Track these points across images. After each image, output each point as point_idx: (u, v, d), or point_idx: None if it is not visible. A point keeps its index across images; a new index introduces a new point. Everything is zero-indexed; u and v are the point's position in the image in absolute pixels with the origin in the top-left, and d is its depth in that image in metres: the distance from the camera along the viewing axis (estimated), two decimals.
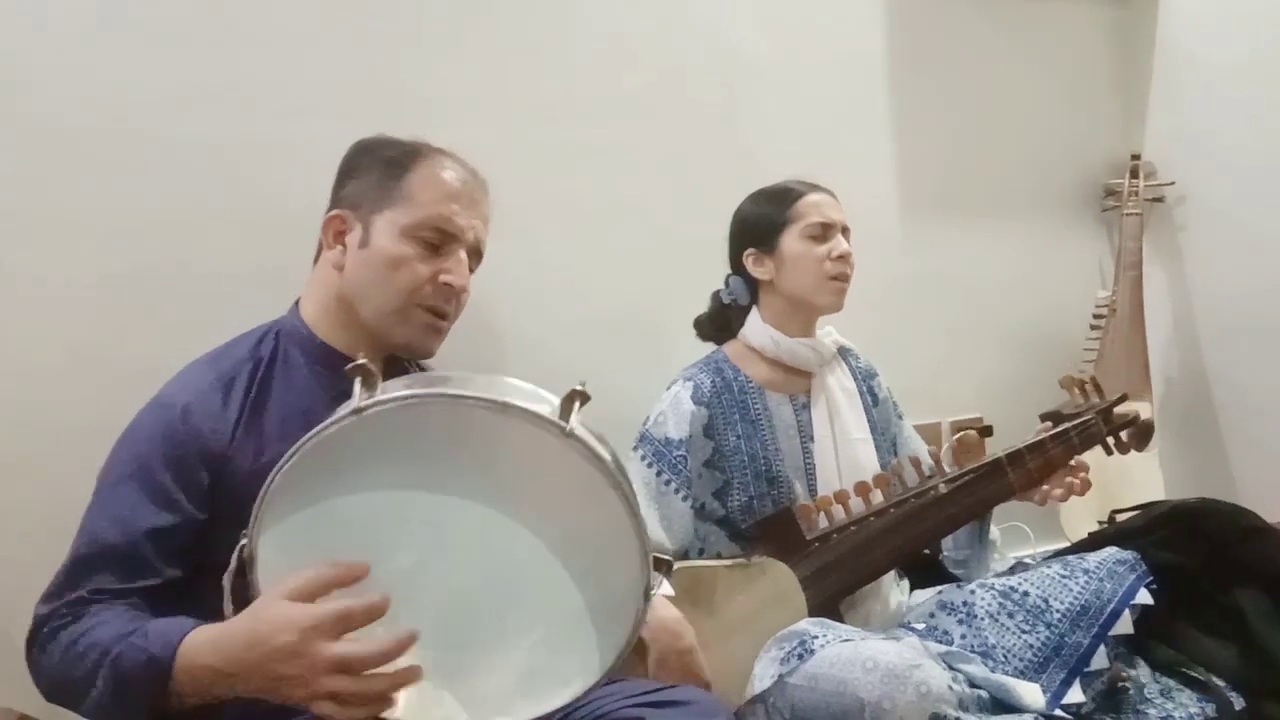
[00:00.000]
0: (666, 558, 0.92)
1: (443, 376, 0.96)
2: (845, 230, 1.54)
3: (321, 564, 0.83)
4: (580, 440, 0.85)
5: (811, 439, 1.53)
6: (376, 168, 1.15)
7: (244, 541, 0.86)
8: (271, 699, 0.85)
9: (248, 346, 1.14)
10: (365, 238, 1.13)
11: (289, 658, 0.81)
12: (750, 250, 1.55)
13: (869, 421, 1.58)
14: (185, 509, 1.01)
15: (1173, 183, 2.26)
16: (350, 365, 0.85)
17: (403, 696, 0.86)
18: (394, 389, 0.86)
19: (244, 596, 0.87)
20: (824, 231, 1.51)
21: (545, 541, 0.90)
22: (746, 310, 1.57)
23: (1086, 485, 1.49)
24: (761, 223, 1.54)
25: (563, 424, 0.84)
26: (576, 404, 0.85)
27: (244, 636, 0.84)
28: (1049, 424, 1.54)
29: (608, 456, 0.87)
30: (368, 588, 0.85)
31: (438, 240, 1.13)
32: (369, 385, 0.84)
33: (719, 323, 1.62)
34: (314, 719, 0.85)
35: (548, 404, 0.87)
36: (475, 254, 1.19)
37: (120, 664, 0.89)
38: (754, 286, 1.57)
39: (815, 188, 1.56)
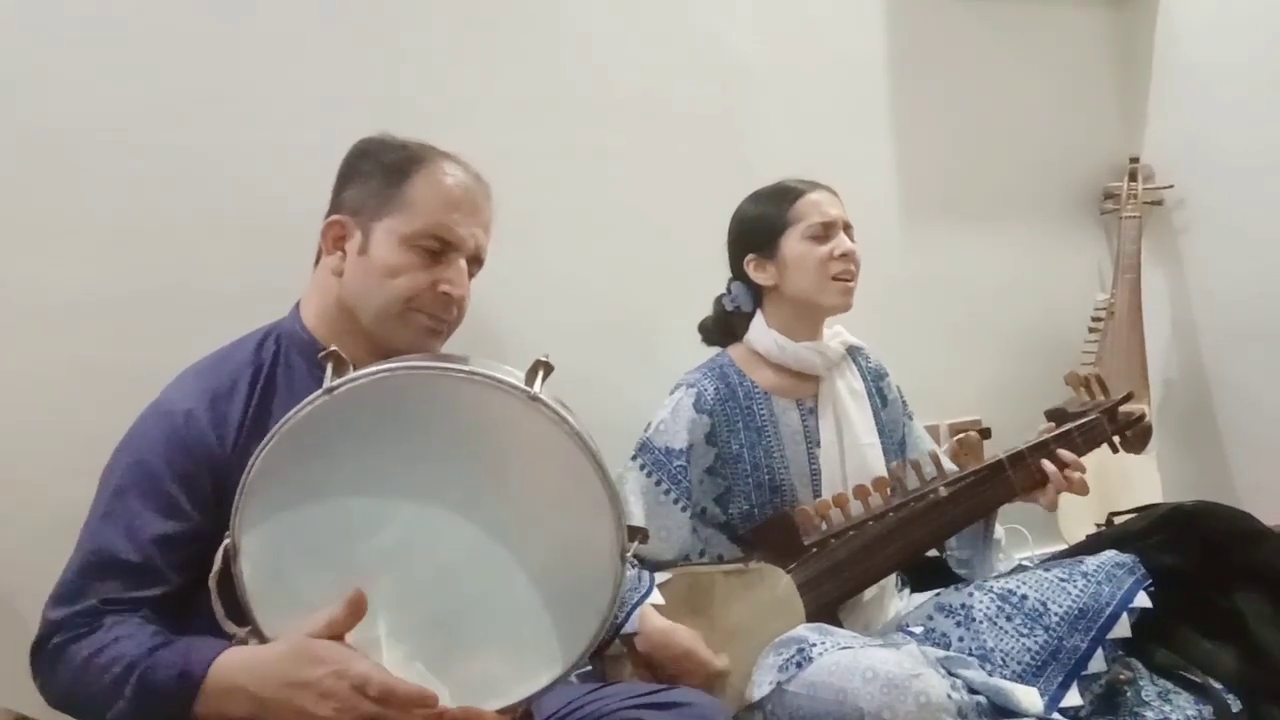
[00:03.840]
0: (641, 526, 0.94)
1: (413, 355, 0.99)
2: (848, 227, 1.52)
3: (329, 608, 0.85)
4: (544, 404, 0.88)
5: (817, 444, 1.51)
6: (377, 173, 1.14)
7: (227, 540, 0.87)
8: None
9: (248, 351, 1.13)
10: (365, 245, 1.12)
11: (325, 697, 0.83)
12: (751, 256, 1.53)
13: (877, 424, 1.56)
14: (191, 516, 1.01)
15: (1171, 186, 2.26)
16: (322, 353, 0.89)
17: None
18: (364, 369, 0.89)
19: (230, 594, 0.88)
20: (825, 231, 1.49)
21: (521, 508, 0.92)
22: (750, 316, 1.56)
23: (1083, 485, 1.46)
24: (761, 227, 1.52)
25: (527, 389, 0.88)
26: (540, 373, 0.90)
27: (281, 666, 0.85)
28: (1053, 423, 1.53)
29: (572, 420, 0.90)
30: (355, 568, 0.87)
31: (438, 248, 1.12)
32: (340, 369, 0.88)
33: (723, 328, 1.60)
34: None
35: (514, 375, 0.90)
36: (475, 261, 1.19)
37: (149, 677, 0.89)
38: (757, 291, 1.55)
39: (814, 185, 1.53)
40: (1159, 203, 2.27)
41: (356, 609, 0.86)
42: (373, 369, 0.89)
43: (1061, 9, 2.30)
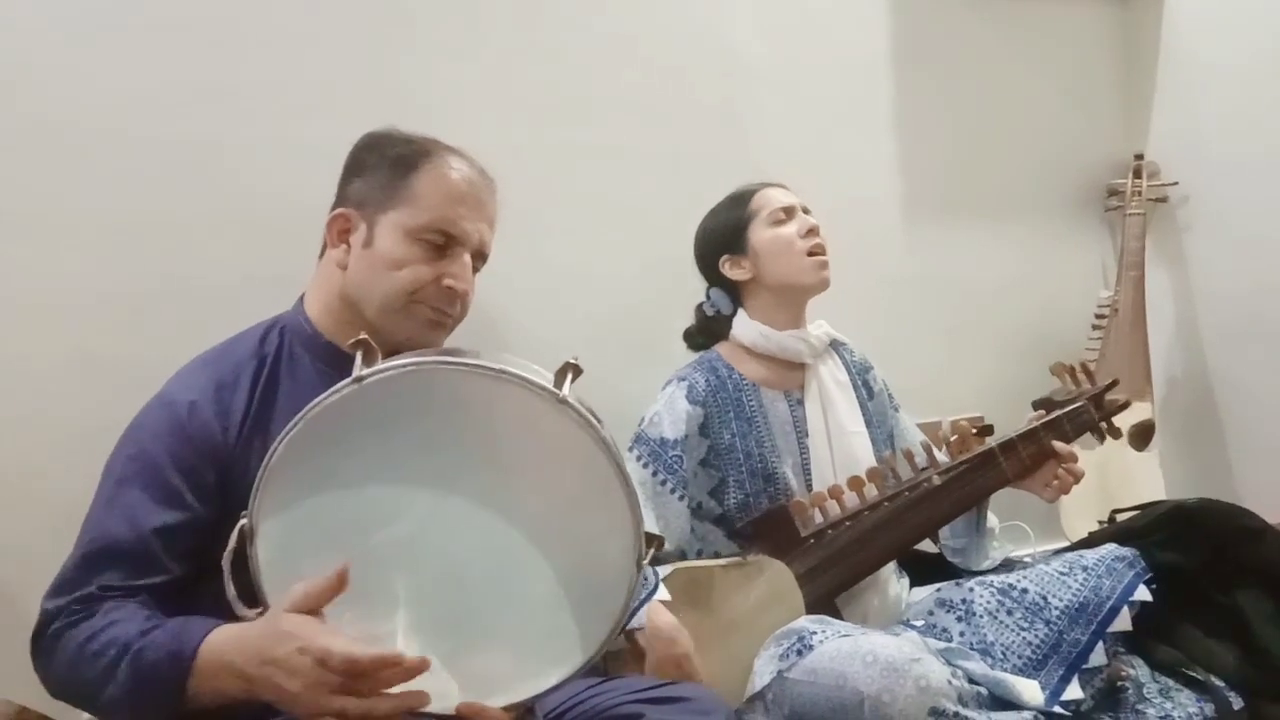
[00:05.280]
0: (658, 533, 0.94)
1: (443, 349, 0.98)
2: (805, 210, 1.57)
3: (313, 579, 0.84)
4: (573, 407, 0.88)
5: (806, 434, 1.53)
6: (383, 166, 1.15)
7: (244, 521, 0.87)
8: (281, 709, 0.86)
9: (251, 343, 1.14)
10: (369, 237, 1.13)
11: (293, 674, 0.82)
12: (725, 257, 1.56)
13: (864, 415, 1.58)
14: (193, 507, 1.01)
15: (1176, 183, 2.25)
16: (352, 341, 0.89)
17: None
18: (393, 360, 0.89)
19: (244, 575, 0.88)
20: (787, 214, 1.54)
21: (540, 509, 0.91)
22: (731, 318, 1.59)
23: (1080, 475, 1.48)
24: (727, 228, 1.57)
25: (557, 391, 0.87)
26: (569, 375, 0.89)
27: (259, 642, 0.85)
28: (1041, 412, 1.55)
29: (600, 425, 0.90)
30: (369, 558, 0.86)
31: (442, 242, 1.13)
32: (369, 358, 0.88)
33: (707, 334, 1.63)
34: None
35: (542, 375, 0.90)
36: (480, 256, 1.19)
37: (142, 658, 0.89)
38: (735, 293, 1.59)
39: (763, 184, 1.59)
40: (1163, 200, 2.26)
41: (337, 583, 0.84)
42: (403, 361, 0.88)
43: (1066, 5, 2.29)
